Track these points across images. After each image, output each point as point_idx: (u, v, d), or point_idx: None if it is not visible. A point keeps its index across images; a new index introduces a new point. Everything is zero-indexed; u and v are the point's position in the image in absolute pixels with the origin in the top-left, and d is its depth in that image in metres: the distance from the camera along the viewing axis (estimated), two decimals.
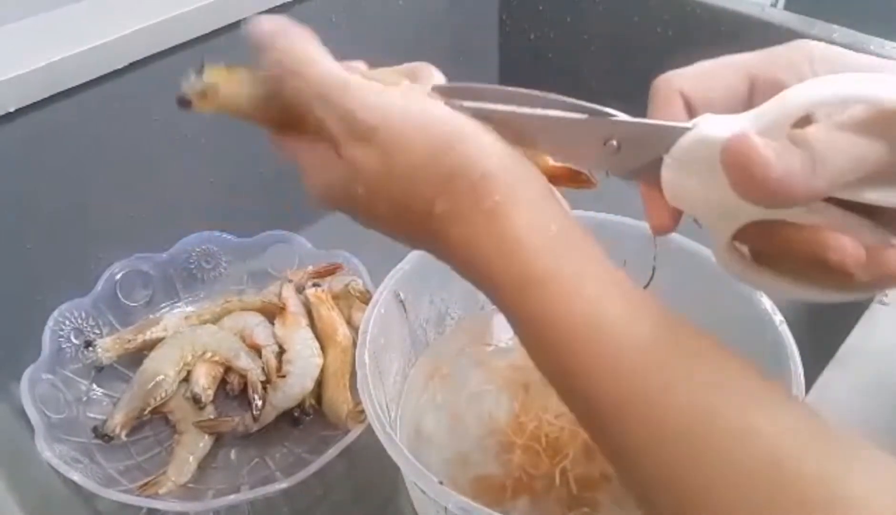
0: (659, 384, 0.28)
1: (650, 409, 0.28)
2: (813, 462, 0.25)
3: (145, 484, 0.60)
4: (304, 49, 0.34)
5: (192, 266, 0.78)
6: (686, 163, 0.31)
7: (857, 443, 0.26)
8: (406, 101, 0.33)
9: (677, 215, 0.34)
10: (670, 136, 0.31)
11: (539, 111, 0.33)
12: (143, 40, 0.67)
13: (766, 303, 0.55)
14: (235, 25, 0.72)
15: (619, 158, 0.33)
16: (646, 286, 0.61)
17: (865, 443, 0.26)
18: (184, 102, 0.35)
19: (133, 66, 0.67)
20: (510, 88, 0.34)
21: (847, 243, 0.29)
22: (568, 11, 0.90)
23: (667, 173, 0.32)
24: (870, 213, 0.31)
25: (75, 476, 0.57)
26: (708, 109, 0.32)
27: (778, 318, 0.54)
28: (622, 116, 0.33)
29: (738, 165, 0.28)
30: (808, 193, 0.27)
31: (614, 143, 0.33)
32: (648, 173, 0.33)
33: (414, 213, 0.33)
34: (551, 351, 0.31)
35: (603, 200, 0.67)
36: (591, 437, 0.31)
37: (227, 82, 0.36)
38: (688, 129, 0.31)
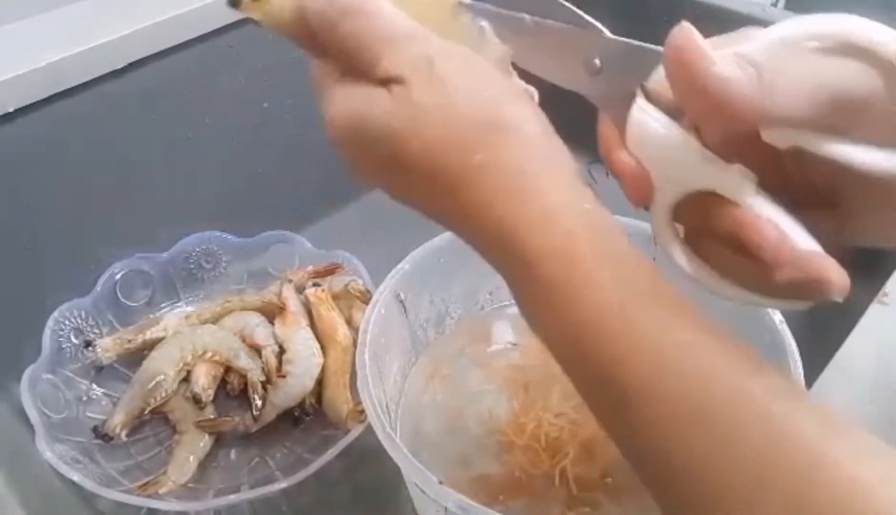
0: (683, 366, 0.28)
1: (671, 398, 0.27)
2: (828, 449, 0.25)
3: (145, 484, 0.60)
4: None
5: (192, 266, 0.78)
6: (656, 99, 0.31)
7: (867, 435, 0.26)
8: (464, 50, 0.32)
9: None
10: (650, 61, 0.31)
11: (527, 17, 0.33)
12: (143, 40, 0.67)
13: None
14: (236, 25, 0.72)
15: (598, 82, 0.33)
16: None
17: (873, 436, 0.26)
18: (233, 2, 0.34)
19: (133, 66, 0.67)
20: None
21: (772, 231, 0.29)
22: None
23: (635, 112, 0.32)
24: (819, 215, 0.31)
25: (75, 476, 0.57)
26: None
27: (778, 318, 0.54)
28: (609, 34, 0.33)
29: (680, 62, 0.27)
30: (753, 106, 0.27)
31: (596, 62, 0.33)
32: (619, 110, 0.32)
33: (450, 157, 0.31)
34: (567, 321, 0.29)
35: (603, 200, 0.67)
36: (605, 422, 0.30)
37: None
38: None
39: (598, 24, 0.33)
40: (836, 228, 0.32)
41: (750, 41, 0.29)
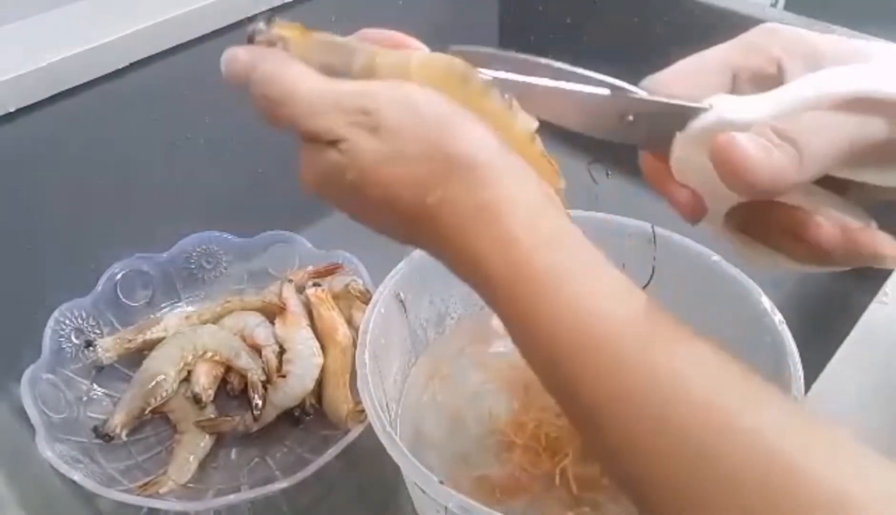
0: (650, 383, 0.28)
1: (635, 407, 0.28)
2: (816, 463, 0.25)
3: (146, 484, 0.60)
4: (281, 75, 0.34)
5: (193, 266, 0.79)
6: (698, 142, 0.32)
7: (858, 446, 0.26)
8: (400, 86, 0.33)
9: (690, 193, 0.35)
10: (685, 115, 0.32)
11: (563, 84, 0.34)
12: (144, 40, 0.67)
13: (766, 303, 0.55)
14: (236, 25, 0.72)
15: (633, 130, 0.34)
16: (645, 286, 0.61)
17: (866, 448, 0.26)
18: (251, 43, 0.35)
19: (133, 66, 0.67)
20: (529, 57, 0.34)
21: (824, 226, 0.32)
22: (568, 12, 0.90)
23: (677, 149, 0.33)
24: (856, 190, 0.33)
25: (76, 476, 0.57)
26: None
27: (777, 318, 0.54)
28: (642, 93, 0.34)
29: (727, 166, 0.29)
30: (795, 182, 0.29)
31: (630, 118, 0.34)
32: (657, 145, 0.34)
33: (407, 201, 0.32)
34: (540, 347, 0.30)
35: (603, 200, 0.67)
36: (580, 432, 0.31)
37: (299, 43, 0.35)
38: (704, 110, 0.32)
39: (628, 86, 0.34)
40: (867, 198, 0.34)
41: (774, 65, 0.32)
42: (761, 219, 0.34)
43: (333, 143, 0.33)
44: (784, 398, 0.28)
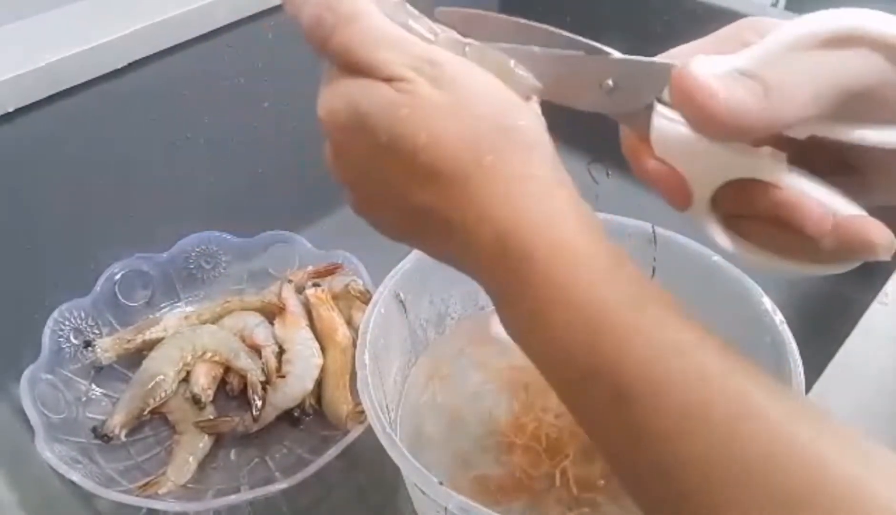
0: (681, 365, 0.28)
1: (665, 394, 0.27)
2: (828, 450, 0.25)
3: (145, 485, 0.60)
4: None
5: (192, 266, 0.78)
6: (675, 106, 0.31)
7: (866, 437, 0.26)
8: (466, 61, 0.33)
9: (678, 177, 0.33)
10: (663, 76, 0.32)
11: (536, 49, 0.34)
12: (143, 40, 0.67)
13: (767, 303, 0.55)
14: (235, 25, 0.72)
15: (614, 100, 0.33)
16: None
17: (873, 439, 0.26)
18: None
19: (133, 66, 0.67)
20: (511, 18, 0.34)
21: (814, 207, 0.30)
22: (568, 11, 0.90)
23: (656, 120, 0.32)
24: (847, 180, 0.32)
25: (75, 477, 0.57)
26: None
27: (778, 318, 0.54)
28: (617, 54, 0.33)
29: (685, 98, 0.28)
30: (762, 121, 0.28)
31: (609, 82, 0.33)
32: (638, 118, 0.33)
33: (460, 154, 0.30)
34: (572, 329, 0.29)
35: (603, 200, 0.66)
36: (601, 422, 0.30)
37: None
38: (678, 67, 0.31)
39: (605, 48, 0.33)
40: (863, 190, 0.32)
41: (749, 46, 0.30)
42: (748, 203, 0.32)
43: (388, 80, 0.31)
44: (794, 391, 0.28)
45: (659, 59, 0.33)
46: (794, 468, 0.25)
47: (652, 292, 0.30)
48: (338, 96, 0.32)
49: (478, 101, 0.31)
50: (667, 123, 0.32)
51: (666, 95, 0.32)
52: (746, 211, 0.33)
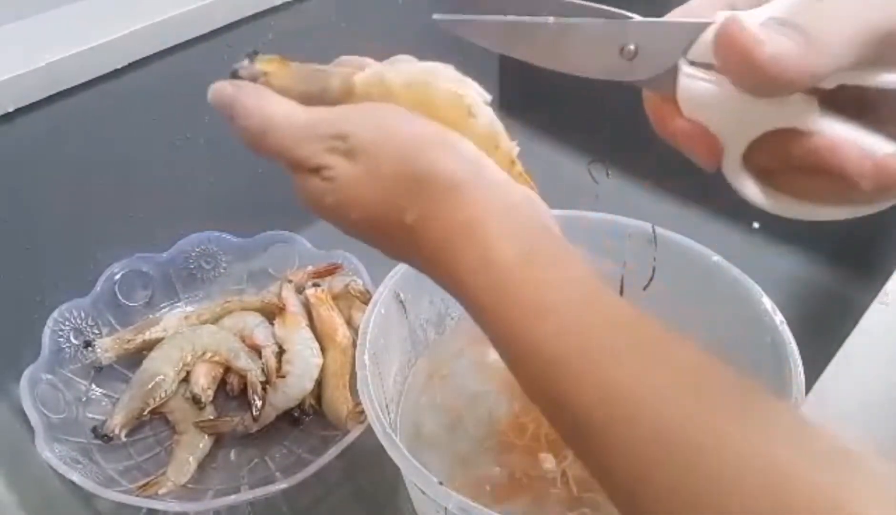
0: (639, 394, 0.27)
1: (626, 420, 0.27)
2: (809, 468, 0.25)
3: (145, 485, 0.60)
4: (260, 107, 0.35)
5: (192, 266, 0.78)
6: (704, 65, 0.31)
7: (851, 449, 0.26)
8: (374, 108, 0.34)
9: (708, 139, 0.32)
10: (689, 35, 0.31)
11: (551, 20, 0.33)
12: (143, 40, 0.67)
13: (767, 303, 0.55)
14: (235, 25, 0.72)
15: (636, 66, 0.33)
16: (646, 287, 0.61)
17: (863, 453, 0.26)
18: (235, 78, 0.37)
19: (132, 65, 0.67)
20: None
21: (852, 149, 0.29)
22: None
23: (683, 80, 0.31)
24: (881, 121, 0.31)
25: (75, 477, 0.57)
26: None
27: (778, 318, 0.54)
28: (637, 18, 0.32)
29: (728, 48, 0.28)
30: (805, 71, 0.27)
31: (631, 47, 0.32)
32: (663, 82, 0.32)
33: (386, 220, 0.33)
34: (530, 369, 0.30)
35: (603, 200, 0.66)
36: (567, 442, 0.30)
37: (279, 74, 0.36)
38: (708, 24, 0.30)
39: (624, 12, 0.33)
40: (881, 134, 0.31)
41: None
42: (782, 154, 0.31)
43: (315, 170, 0.34)
44: (774, 401, 0.27)
45: (682, 18, 0.32)
46: (775, 490, 0.24)
47: (598, 319, 0.29)
48: (298, 192, 0.36)
49: (387, 159, 0.32)
50: (695, 82, 0.31)
51: (691, 54, 0.31)
52: (781, 163, 0.32)
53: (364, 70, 0.36)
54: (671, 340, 0.29)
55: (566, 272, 0.31)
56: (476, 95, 0.35)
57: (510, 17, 0.34)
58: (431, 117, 0.34)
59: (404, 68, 0.36)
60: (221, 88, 0.36)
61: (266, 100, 0.35)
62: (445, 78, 0.35)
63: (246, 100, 0.35)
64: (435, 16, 0.35)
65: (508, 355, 0.31)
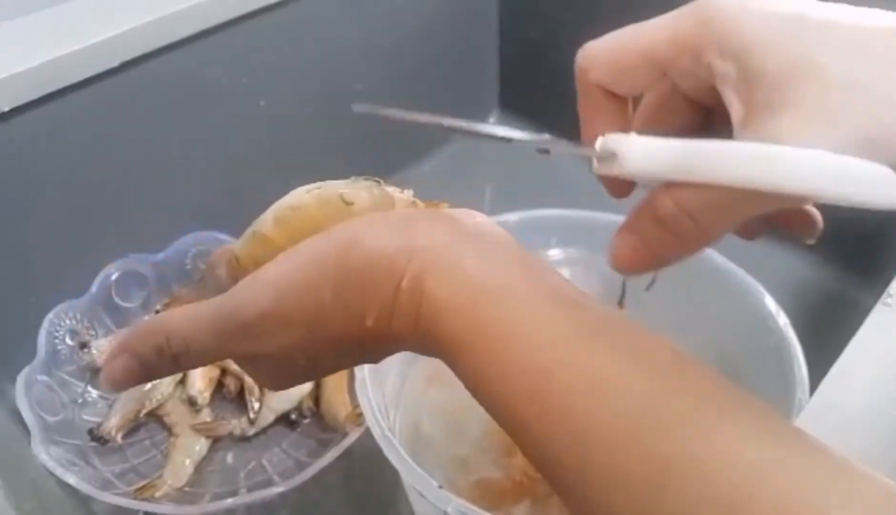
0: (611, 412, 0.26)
1: (593, 442, 0.26)
2: (793, 482, 0.23)
3: (141, 488, 0.60)
4: (153, 334, 0.32)
5: (188, 267, 0.78)
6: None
7: (837, 460, 0.24)
8: (276, 265, 0.31)
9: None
10: (590, 155, 0.31)
11: (479, 126, 0.32)
12: (137, 39, 0.66)
13: (771, 305, 0.55)
14: (231, 24, 0.72)
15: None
16: (648, 288, 0.61)
17: (848, 461, 0.24)
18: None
19: (127, 65, 0.66)
20: (425, 116, 0.33)
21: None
22: (568, 11, 0.90)
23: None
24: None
25: (71, 479, 0.56)
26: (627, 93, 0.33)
27: (782, 320, 0.54)
28: (541, 141, 0.32)
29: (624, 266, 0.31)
30: (698, 247, 0.30)
31: (548, 150, 0.32)
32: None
33: (355, 340, 0.31)
34: (510, 414, 0.29)
35: (603, 200, 0.66)
36: (533, 462, 0.30)
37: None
38: (604, 156, 0.31)
39: (527, 137, 0.32)
40: None
41: (707, 66, 0.29)
42: None
43: (257, 358, 0.32)
44: (754, 408, 0.26)
45: (582, 150, 0.32)
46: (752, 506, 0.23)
47: (555, 353, 0.28)
48: (264, 382, 0.36)
49: (310, 298, 0.30)
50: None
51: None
52: None
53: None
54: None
55: (516, 284, 0.30)
56: (341, 186, 0.34)
57: (424, 116, 0.32)
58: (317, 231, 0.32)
59: (267, 213, 0.35)
60: (113, 367, 0.32)
61: (167, 319, 0.32)
62: (305, 194, 0.35)
63: (148, 332, 0.32)
64: (355, 108, 0.33)
65: (472, 390, 0.30)
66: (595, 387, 0.26)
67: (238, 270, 0.34)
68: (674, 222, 0.29)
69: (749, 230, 0.35)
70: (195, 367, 0.33)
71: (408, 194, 0.35)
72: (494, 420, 0.30)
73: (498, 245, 0.31)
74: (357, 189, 0.34)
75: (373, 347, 0.32)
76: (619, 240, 0.31)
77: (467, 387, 0.30)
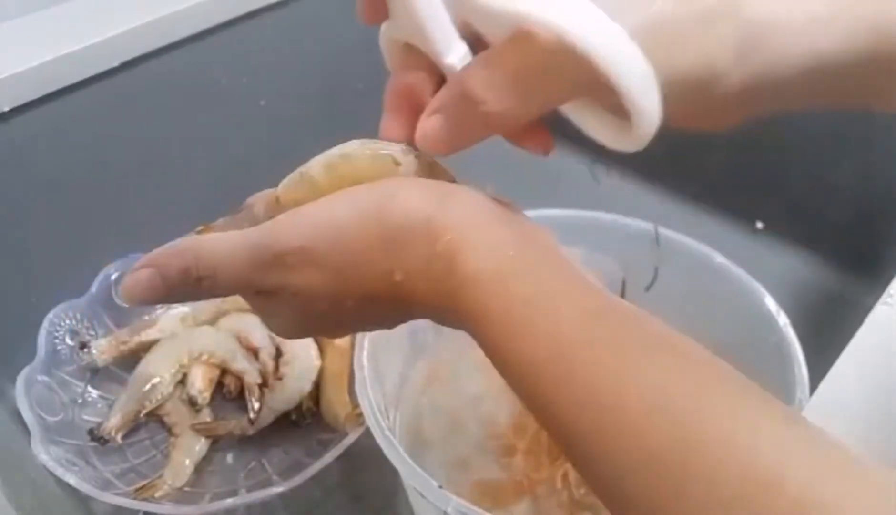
0: (621, 395, 0.26)
1: (608, 420, 0.26)
2: (795, 470, 0.24)
3: (142, 488, 0.60)
4: (182, 253, 0.32)
5: None
6: None
7: (840, 450, 0.25)
8: (317, 206, 0.32)
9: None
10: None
11: None
12: (137, 39, 0.66)
13: (771, 304, 0.55)
14: (231, 24, 0.72)
15: None
16: (648, 288, 0.61)
17: (849, 450, 0.25)
18: None
19: (127, 65, 0.66)
20: None
21: None
22: None
23: None
24: None
25: (71, 479, 0.56)
26: None
27: (782, 319, 0.54)
28: None
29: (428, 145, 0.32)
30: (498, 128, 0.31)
31: None
32: None
33: (380, 294, 0.31)
34: (534, 388, 0.29)
35: (605, 200, 0.66)
36: (557, 441, 0.30)
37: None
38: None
39: None
40: None
41: None
42: None
43: (276, 292, 0.32)
44: (761, 398, 0.26)
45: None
46: (758, 493, 0.23)
47: (582, 326, 0.29)
48: (279, 324, 0.35)
49: (343, 245, 0.31)
50: None
51: None
52: None
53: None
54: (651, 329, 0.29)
55: (552, 277, 0.30)
56: (394, 147, 0.34)
57: None
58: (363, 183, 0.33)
59: (316, 159, 0.35)
60: (136, 278, 0.32)
61: (198, 242, 0.33)
62: (359, 146, 0.35)
63: (174, 260, 0.32)
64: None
65: (511, 374, 0.31)
66: (620, 367, 0.27)
67: (277, 210, 0.34)
68: (470, 102, 0.30)
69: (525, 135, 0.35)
70: (216, 296, 0.32)
71: (450, 173, 0.36)
72: (516, 394, 0.30)
73: (529, 235, 0.32)
74: (407, 158, 0.34)
75: (396, 305, 0.32)
76: (425, 121, 0.32)
77: (490, 359, 0.31)
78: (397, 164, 0.34)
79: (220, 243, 0.32)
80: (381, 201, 0.31)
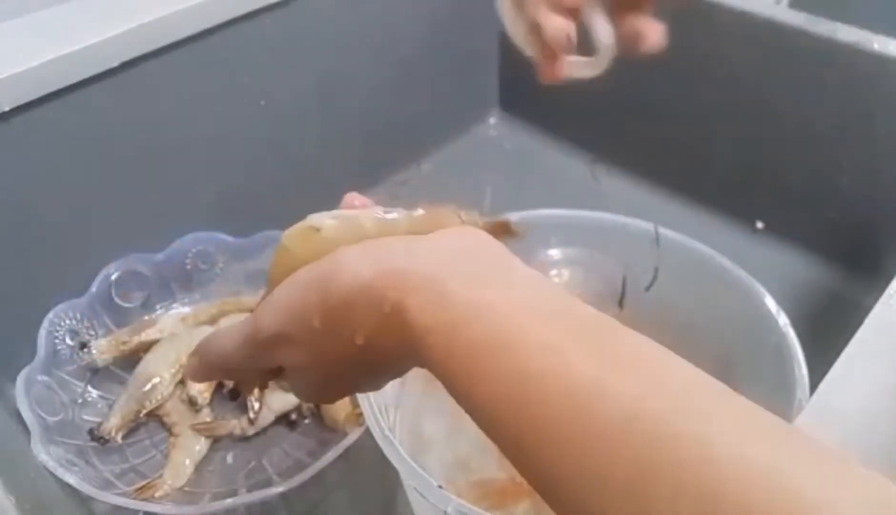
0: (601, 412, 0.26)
1: (589, 436, 0.26)
2: (794, 474, 0.23)
3: (142, 488, 0.60)
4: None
5: (189, 267, 0.78)
6: None
7: (836, 454, 0.25)
8: (279, 290, 0.35)
9: None
10: None
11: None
12: (138, 39, 0.66)
13: (771, 304, 0.55)
14: (231, 24, 0.72)
15: None
16: (648, 288, 0.61)
17: (845, 454, 0.25)
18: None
19: (127, 65, 0.66)
20: None
21: None
22: None
23: None
24: None
25: (71, 479, 0.56)
26: None
27: (782, 319, 0.54)
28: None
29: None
30: None
31: None
32: None
33: (353, 358, 0.33)
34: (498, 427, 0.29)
35: (605, 200, 0.66)
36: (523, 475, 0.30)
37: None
38: None
39: None
40: None
41: None
42: None
43: (283, 367, 0.37)
44: (752, 406, 0.26)
45: None
46: (758, 496, 0.23)
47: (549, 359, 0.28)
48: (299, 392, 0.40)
49: (311, 321, 0.33)
50: None
51: None
52: None
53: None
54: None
55: (493, 290, 0.30)
56: (319, 217, 0.36)
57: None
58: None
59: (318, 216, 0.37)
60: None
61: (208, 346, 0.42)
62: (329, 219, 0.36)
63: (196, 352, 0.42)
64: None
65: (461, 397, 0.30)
66: (580, 394, 0.26)
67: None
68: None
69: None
70: (239, 379, 0.43)
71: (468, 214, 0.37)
72: (488, 437, 0.30)
73: (479, 261, 0.32)
74: (325, 221, 0.36)
75: (372, 367, 0.34)
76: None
77: (459, 403, 0.30)
78: (316, 230, 0.35)
79: (223, 339, 0.40)
80: (320, 284, 0.32)
